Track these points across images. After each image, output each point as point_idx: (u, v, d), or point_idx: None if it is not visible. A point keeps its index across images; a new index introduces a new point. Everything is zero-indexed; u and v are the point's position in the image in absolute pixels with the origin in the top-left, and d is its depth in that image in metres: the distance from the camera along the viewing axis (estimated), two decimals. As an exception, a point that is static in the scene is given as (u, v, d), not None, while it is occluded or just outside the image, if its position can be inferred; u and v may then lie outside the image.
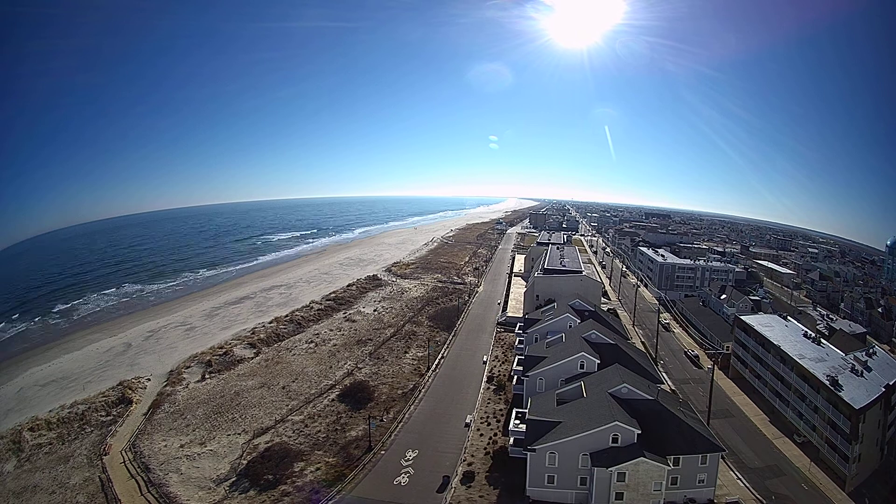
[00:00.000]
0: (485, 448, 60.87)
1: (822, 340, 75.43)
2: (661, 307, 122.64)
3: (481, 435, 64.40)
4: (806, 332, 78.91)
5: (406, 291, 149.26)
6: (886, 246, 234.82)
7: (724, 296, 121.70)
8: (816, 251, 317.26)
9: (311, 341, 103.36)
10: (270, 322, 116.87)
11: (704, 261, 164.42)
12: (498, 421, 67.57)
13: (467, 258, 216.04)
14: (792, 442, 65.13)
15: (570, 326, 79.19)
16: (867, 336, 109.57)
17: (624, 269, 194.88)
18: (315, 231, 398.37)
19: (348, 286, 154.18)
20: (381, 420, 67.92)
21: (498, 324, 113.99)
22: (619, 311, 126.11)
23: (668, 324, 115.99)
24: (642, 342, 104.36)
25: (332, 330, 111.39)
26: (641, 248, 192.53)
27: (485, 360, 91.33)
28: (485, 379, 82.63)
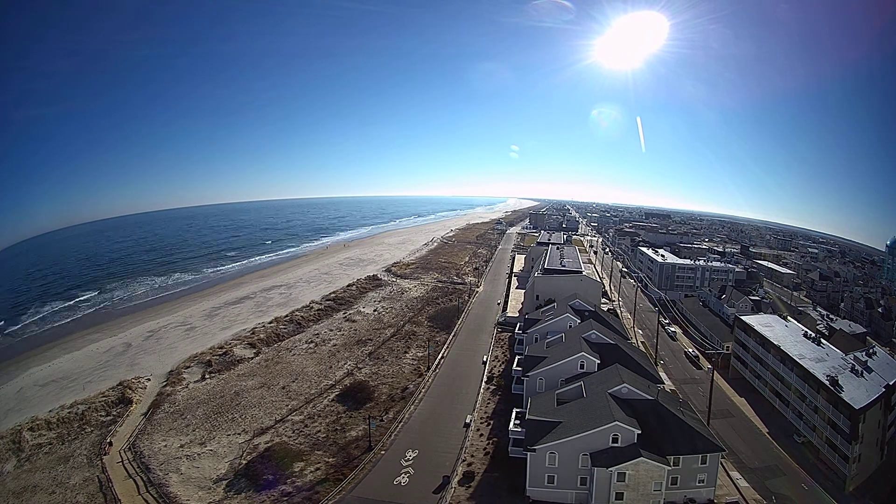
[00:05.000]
0: (485, 448, 60.83)
1: (822, 340, 75.41)
2: (660, 308, 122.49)
3: (481, 435, 64.36)
4: (806, 332, 78.87)
5: (406, 291, 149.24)
6: (886, 246, 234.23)
7: (724, 296, 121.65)
8: (816, 251, 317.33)
9: (311, 341, 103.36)
10: (270, 322, 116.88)
11: (704, 261, 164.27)
12: (498, 421, 67.51)
13: (467, 258, 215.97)
14: (792, 442, 65.13)
15: (570, 326, 79.19)
16: (867, 336, 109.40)
17: (623, 269, 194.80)
18: (319, 231, 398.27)
19: (348, 286, 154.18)
20: (381, 420, 67.89)
21: (498, 324, 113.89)
22: (619, 312, 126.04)
23: (667, 324, 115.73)
24: (642, 342, 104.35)
25: (332, 330, 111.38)
26: (641, 248, 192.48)
27: (484, 360, 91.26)
28: (484, 379, 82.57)
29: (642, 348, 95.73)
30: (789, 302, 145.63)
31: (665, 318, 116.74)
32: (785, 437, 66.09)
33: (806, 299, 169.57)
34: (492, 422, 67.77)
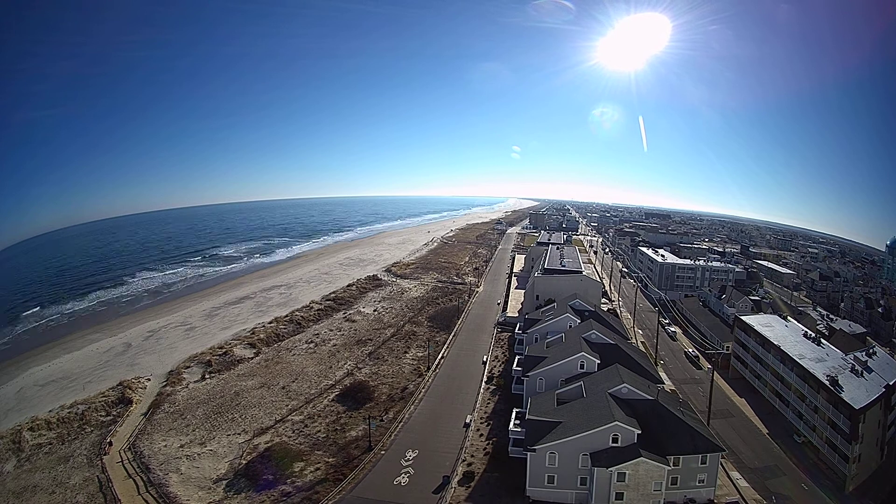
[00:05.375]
0: (484, 448, 60.82)
1: (822, 340, 75.40)
2: (660, 308, 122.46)
3: (481, 435, 64.36)
4: (806, 332, 78.86)
5: (406, 291, 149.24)
6: (886, 246, 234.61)
7: (724, 296, 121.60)
8: (816, 251, 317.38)
9: (311, 341, 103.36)
10: (270, 322, 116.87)
11: (704, 261, 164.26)
12: (498, 421, 67.52)
13: (467, 258, 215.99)
14: (792, 442, 65.13)
15: (570, 326, 79.19)
16: (867, 336, 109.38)
17: (623, 269, 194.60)
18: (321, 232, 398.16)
19: (348, 286, 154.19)
20: (381, 420, 67.89)
21: (498, 324, 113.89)
22: (619, 312, 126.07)
23: (667, 324, 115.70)
24: (642, 342, 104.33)
25: (331, 330, 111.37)
26: (641, 248, 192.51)
27: (484, 360, 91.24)
28: (484, 379, 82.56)
29: (642, 348, 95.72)
30: (789, 302, 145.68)
31: (665, 318, 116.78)
32: (785, 437, 66.10)
33: (806, 299, 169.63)
34: (492, 422, 67.76)
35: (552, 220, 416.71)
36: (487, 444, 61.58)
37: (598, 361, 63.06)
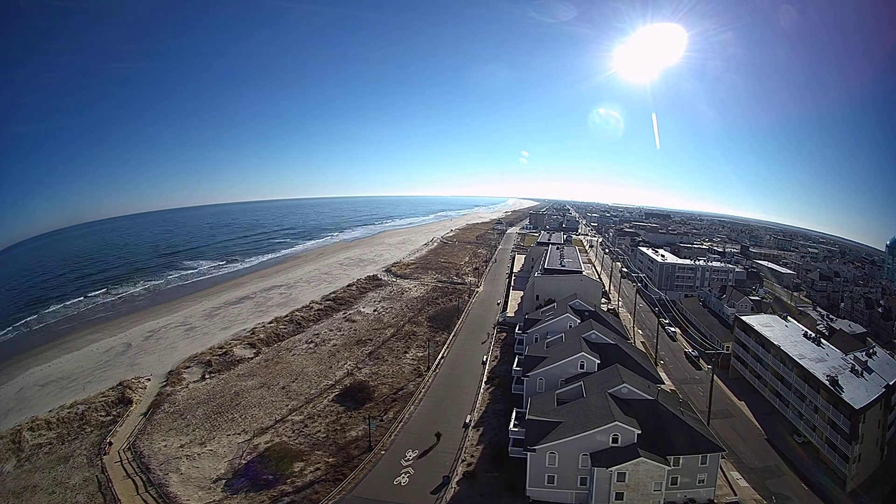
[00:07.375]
0: (484, 448, 60.80)
1: (822, 340, 75.36)
2: (660, 308, 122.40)
3: (481, 435, 64.36)
4: (806, 332, 78.84)
5: (406, 291, 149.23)
6: (886, 246, 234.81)
7: (724, 296, 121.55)
8: (816, 251, 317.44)
9: (311, 341, 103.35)
10: (270, 322, 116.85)
11: (704, 261, 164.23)
12: (498, 421, 67.51)
13: (467, 258, 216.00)
14: (792, 442, 65.11)
15: (570, 326, 79.18)
16: (867, 336, 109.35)
17: (623, 269, 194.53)
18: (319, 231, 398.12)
19: (348, 286, 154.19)
20: (381, 420, 67.90)
21: (497, 324, 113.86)
22: (620, 311, 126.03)
23: (667, 324, 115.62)
24: (642, 342, 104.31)
25: (331, 330, 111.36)
26: (641, 248, 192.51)
27: (484, 360, 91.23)
28: (484, 379, 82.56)
29: (642, 348, 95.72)
30: (789, 302, 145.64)
31: (665, 318, 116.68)
32: (785, 437, 66.09)
33: (806, 299, 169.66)
34: (492, 422, 67.76)
35: (552, 220, 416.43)
36: (487, 445, 61.56)
37: (598, 361, 63.06)
